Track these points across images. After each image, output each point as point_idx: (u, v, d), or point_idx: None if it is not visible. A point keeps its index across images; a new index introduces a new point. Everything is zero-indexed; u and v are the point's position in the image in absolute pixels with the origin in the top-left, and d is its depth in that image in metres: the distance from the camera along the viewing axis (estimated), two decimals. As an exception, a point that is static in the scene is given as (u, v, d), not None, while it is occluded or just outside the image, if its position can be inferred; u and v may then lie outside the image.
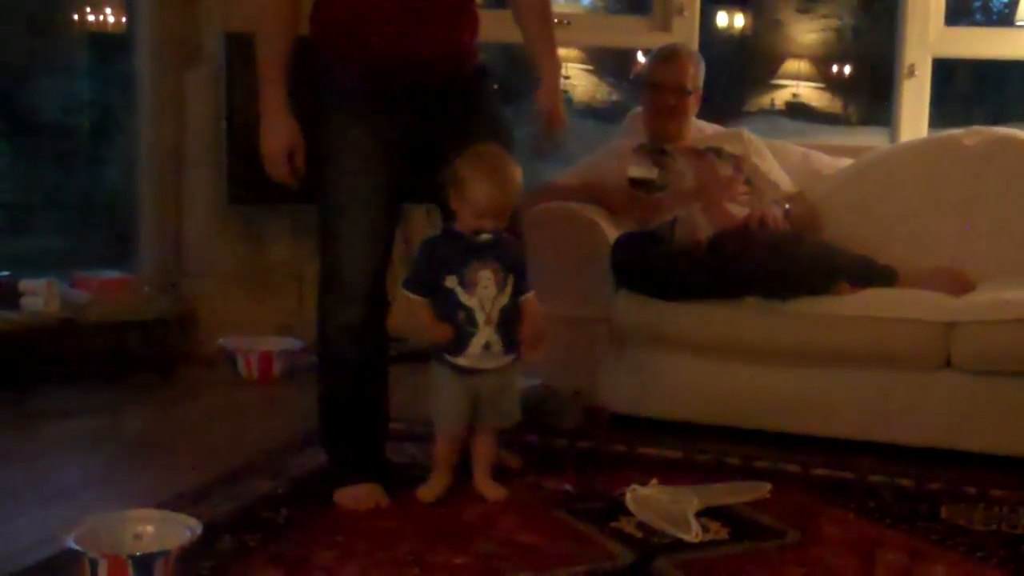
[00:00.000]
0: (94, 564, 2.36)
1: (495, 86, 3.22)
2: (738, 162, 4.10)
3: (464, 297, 2.90)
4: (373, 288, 2.99)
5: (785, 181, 4.17)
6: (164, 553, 2.40)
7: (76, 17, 5.62)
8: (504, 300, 2.93)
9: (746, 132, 4.34)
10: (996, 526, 2.93)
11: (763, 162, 4.19)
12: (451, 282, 2.90)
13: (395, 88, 2.98)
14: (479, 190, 2.87)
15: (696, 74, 4.15)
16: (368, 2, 2.93)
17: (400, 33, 2.94)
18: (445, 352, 2.95)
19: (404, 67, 2.97)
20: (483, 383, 2.98)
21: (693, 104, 4.17)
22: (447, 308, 2.91)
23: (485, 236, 2.91)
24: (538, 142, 3.21)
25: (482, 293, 2.91)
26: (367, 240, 2.97)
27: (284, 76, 2.95)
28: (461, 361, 2.95)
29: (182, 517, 2.56)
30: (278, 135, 2.95)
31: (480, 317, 2.91)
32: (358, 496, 2.97)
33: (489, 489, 3.04)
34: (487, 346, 2.93)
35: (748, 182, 4.06)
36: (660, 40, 4.55)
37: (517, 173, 2.92)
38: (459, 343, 2.93)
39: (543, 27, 3.21)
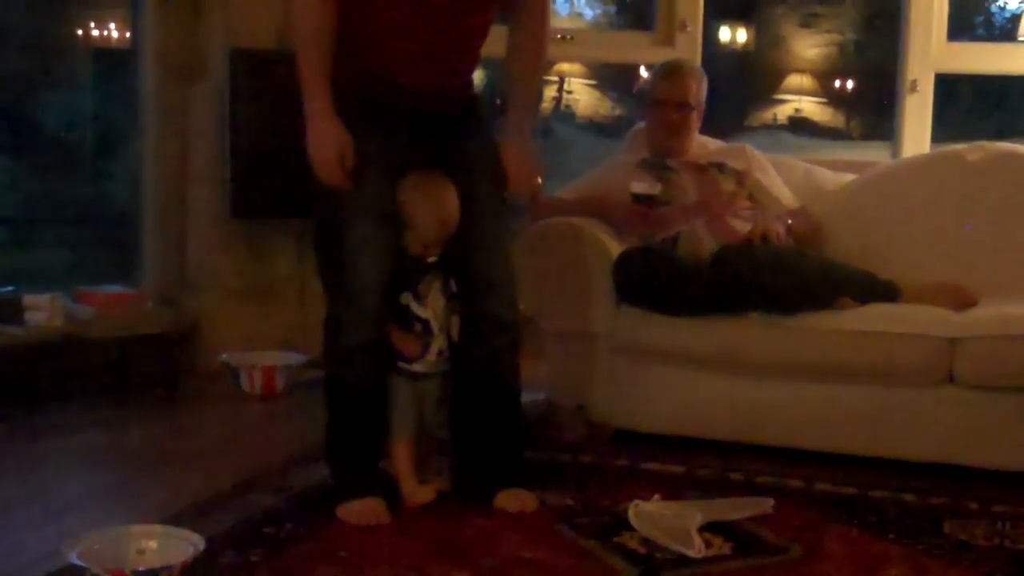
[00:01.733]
0: (97, 579, 2.37)
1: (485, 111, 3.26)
2: (741, 177, 4.10)
3: (419, 310, 3.03)
4: (384, 308, 3.00)
5: (787, 196, 4.18)
6: (167, 568, 2.40)
7: (80, 32, 5.64)
8: (446, 304, 3.08)
9: (748, 147, 4.35)
10: (999, 541, 2.93)
11: (765, 177, 4.19)
12: (405, 299, 3.03)
13: (397, 113, 3.02)
14: (422, 224, 3.00)
15: (698, 90, 4.16)
16: (387, 34, 2.97)
17: (416, 69, 3.00)
18: (401, 360, 3.05)
19: (408, 95, 3.01)
20: (426, 389, 3.10)
21: (695, 119, 4.18)
22: (405, 322, 3.03)
23: (432, 259, 3.04)
24: (511, 197, 3.25)
25: (434, 303, 3.04)
26: (378, 261, 2.99)
27: (328, 84, 2.96)
28: (418, 367, 3.06)
29: (185, 532, 2.57)
30: (329, 140, 2.95)
31: (435, 326, 3.06)
32: (361, 511, 2.97)
33: (424, 490, 3.09)
34: (440, 352, 3.07)
35: (751, 197, 4.07)
36: (663, 55, 4.56)
37: (453, 194, 3.03)
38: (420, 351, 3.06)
39: (529, 79, 3.26)
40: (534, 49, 3.23)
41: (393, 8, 2.94)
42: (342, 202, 2.99)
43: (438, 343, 3.06)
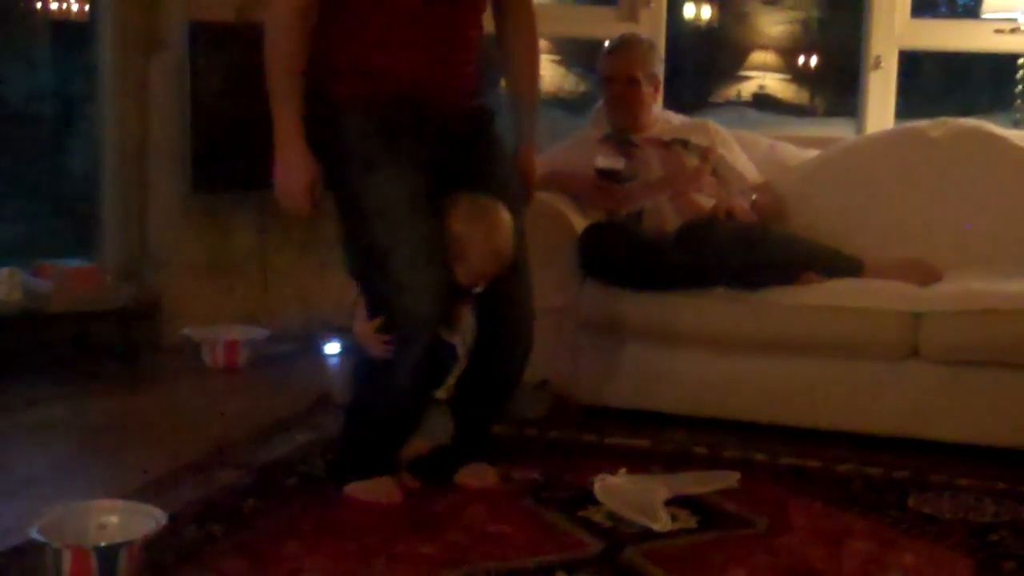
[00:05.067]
0: (58, 555, 2.34)
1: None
2: (704, 153, 4.09)
3: (447, 335, 2.94)
4: (441, 314, 2.88)
5: (752, 171, 4.17)
6: (128, 543, 2.38)
7: (39, 5, 5.57)
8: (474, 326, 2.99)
9: (712, 123, 4.33)
10: (963, 514, 2.95)
11: (729, 153, 4.18)
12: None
13: (413, 122, 2.93)
14: (478, 259, 2.88)
15: (647, 63, 4.11)
16: (383, 44, 2.91)
17: (416, 71, 2.93)
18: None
19: (420, 102, 2.94)
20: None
21: (648, 92, 4.12)
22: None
23: (478, 290, 2.94)
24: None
25: (464, 329, 2.96)
26: (437, 274, 2.84)
27: (299, 110, 2.90)
28: (440, 395, 3.01)
29: (147, 507, 2.54)
30: (297, 170, 2.90)
31: (461, 351, 2.97)
32: (373, 488, 2.93)
33: (407, 479, 3.02)
34: (458, 377, 3.00)
35: (715, 173, 4.06)
36: (627, 31, 4.53)
37: (511, 225, 2.92)
38: (438, 378, 2.98)
39: (531, 89, 3.26)
40: (530, 48, 3.23)
41: None
42: (391, 234, 2.85)
43: (459, 369, 2.98)
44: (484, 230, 2.87)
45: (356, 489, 2.94)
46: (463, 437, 3.11)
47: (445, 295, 2.86)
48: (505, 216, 2.91)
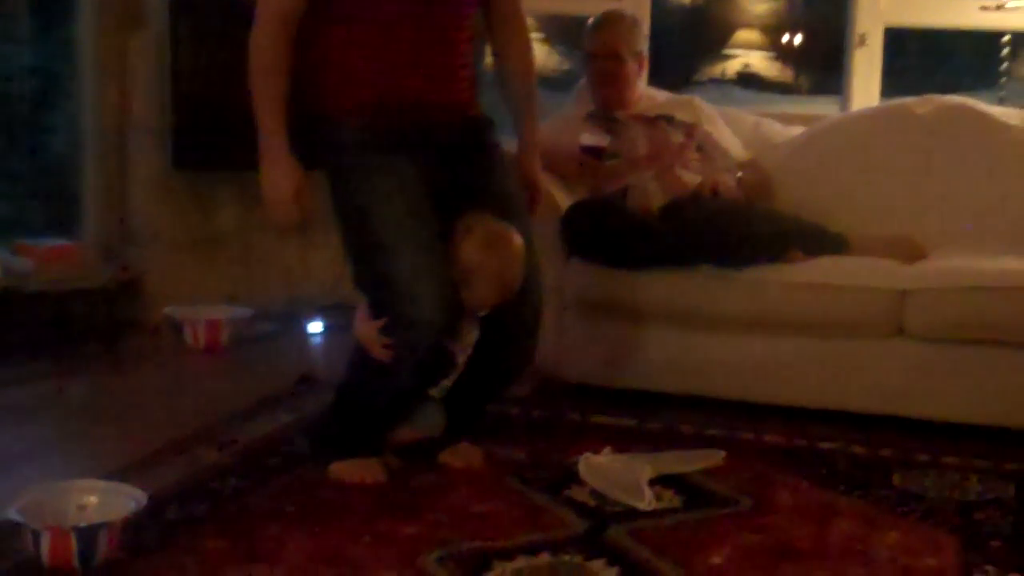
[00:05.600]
0: (37, 535, 2.32)
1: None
2: (690, 129, 4.07)
3: (448, 343, 2.92)
4: (447, 322, 2.83)
5: (737, 148, 4.16)
6: (108, 524, 2.36)
7: (17, -20, 5.51)
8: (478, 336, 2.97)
9: (697, 99, 4.32)
10: (948, 493, 2.95)
11: (715, 129, 4.16)
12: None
13: (411, 132, 2.91)
14: (484, 289, 2.85)
15: (631, 39, 4.08)
16: (375, 52, 2.89)
17: (409, 77, 2.90)
18: None
19: (417, 111, 2.91)
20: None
21: (633, 69, 4.09)
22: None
23: (481, 314, 2.92)
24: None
25: (466, 339, 2.94)
26: (440, 283, 2.79)
27: (284, 121, 2.87)
28: (433, 392, 3.00)
29: (127, 488, 2.52)
30: (283, 182, 2.87)
31: (460, 358, 2.96)
32: (356, 468, 2.91)
33: (390, 458, 3.00)
34: (454, 379, 2.99)
35: (700, 149, 4.04)
36: (611, 8, 4.51)
37: (523, 255, 2.88)
38: (433, 379, 2.98)
39: (529, 99, 3.26)
40: (524, 56, 3.23)
41: None
42: (389, 224, 2.82)
43: (456, 373, 2.97)
44: (495, 263, 2.83)
45: (340, 469, 2.92)
46: (454, 425, 3.09)
47: (451, 304, 2.81)
48: (518, 246, 2.87)
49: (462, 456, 3.05)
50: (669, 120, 4.08)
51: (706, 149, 4.06)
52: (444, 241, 2.85)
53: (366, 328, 2.84)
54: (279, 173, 2.88)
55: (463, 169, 2.99)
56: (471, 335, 2.95)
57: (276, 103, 2.87)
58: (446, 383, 2.99)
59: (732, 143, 4.18)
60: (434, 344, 2.83)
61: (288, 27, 2.88)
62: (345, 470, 2.92)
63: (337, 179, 2.92)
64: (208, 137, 4.46)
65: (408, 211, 2.83)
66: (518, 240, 2.87)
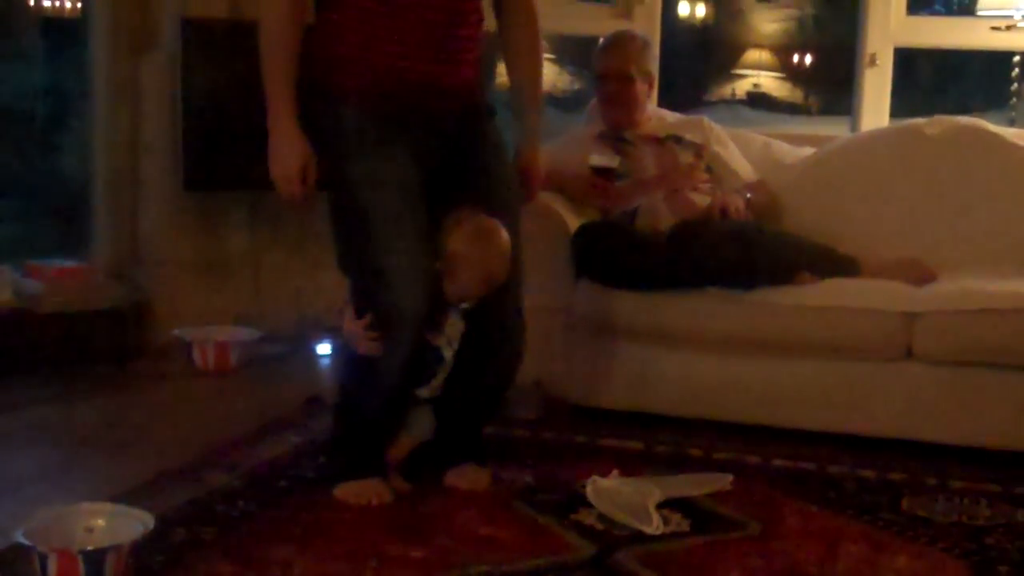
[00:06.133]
0: (44, 559, 2.32)
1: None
2: (699, 150, 4.08)
3: (433, 338, 2.93)
4: (426, 310, 2.86)
5: (746, 169, 4.16)
6: (116, 547, 2.36)
7: (31, 2, 5.55)
8: (463, 329, 2.97)
9: (706, 120, 4.32)
10: (957, 517, 2.94)
11: (724, 150, 4.17)
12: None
13: (412, 115, 2.92)
14: (467, 281, 2.89)
15: (641, 59, 4.09)
16: (384, 34, 2.88)
17: (416, 60, 2.90)
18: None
19: (420, 94, 2.92)
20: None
21: (643, 90, 4.10)
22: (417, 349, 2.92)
23: (465, 306, 2.94)
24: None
25: (450, 330, 2.94)
26: (422, 272, 2.84)
27: (293, 95, 2.90)
28: (424, 393, 2.99)
29: (135, 511, 2.53)
30: (290, 154, 2.89)
31: (447, 353, 2.95)
32: (362, 490, 2.91)
33: (399, 482, 3.00)
34: (445, 378, 2.99)
35: (709, 170, 4.04)
36: (622, 28, 4.51)
37: (508, 251, 2.91)
38: (424, 378, 2.97)
39: (534, 87, 3.25)
40: (531, 44, 3.22)
41: None
42: (380, 214, 2.85)
43: (446, 371, 2.97)
44: (480, 255, 2.87)
45: (346, 491, 2.92)
46: (452, 438, 3.09)
47: (429, 291, 2.85)
48: (504, 241, 2.90)
49: (469, 479, 3.05)
50: (678, 140, 4.09)
51: (715, 170, 4.06)
52: (433, 228, 2.90)
53: (352, 324, 2.87)
54: (286, 148, 2.90)
55: (458, 156, 3.01)
56: (456, 328, 2.95)
57: (286, 78, 2.90)
58: (436, 382, 2.99)
59: (741, 164, 4.18)
60: (415, 334, 2.85)
61: (299, 4, 2.91)
62: (351, 492, 2.92)
63: (330, 157, 2.93)
64: (218, 159, 4.46)
65: (395, 198, 2.86)
66: (505, 236, 2.90)
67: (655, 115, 4.24)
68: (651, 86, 4.16)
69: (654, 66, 4.21)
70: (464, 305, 2.93)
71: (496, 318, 3.00)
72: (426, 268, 2.85)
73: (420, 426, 3.03)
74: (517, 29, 3.21)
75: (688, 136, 4.11)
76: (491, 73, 3.29)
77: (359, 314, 2.87)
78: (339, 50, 2.93)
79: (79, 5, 5.11)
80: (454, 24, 2.95)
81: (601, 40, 4.18)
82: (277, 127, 2.91)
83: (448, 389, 3.03)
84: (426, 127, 2.95)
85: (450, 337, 2.94)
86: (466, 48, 3.00)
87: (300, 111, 2.92)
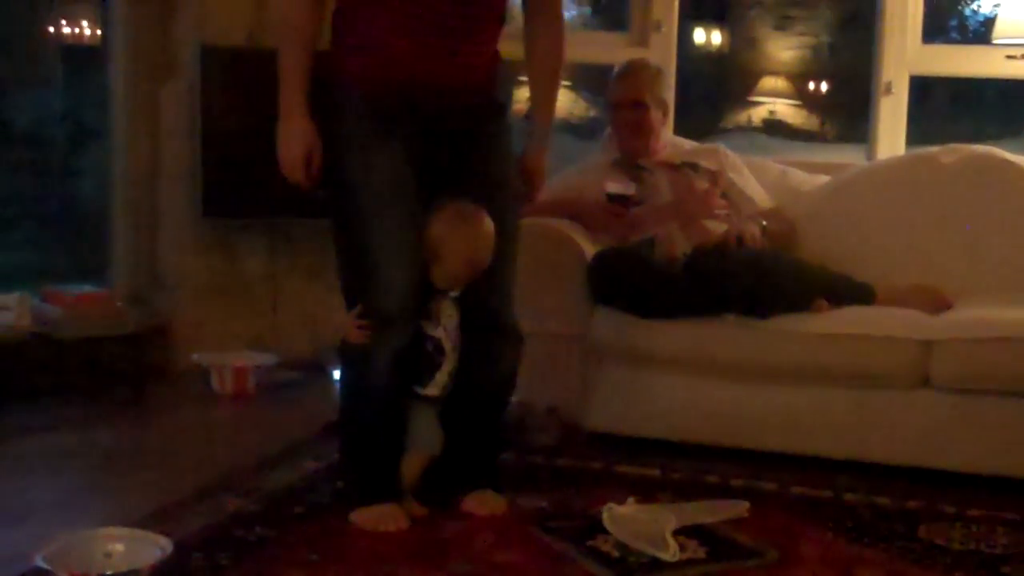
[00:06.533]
0: (62, 584, 2.33)
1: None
2: (714, 177, 4.09)
3: (430, 328, 2.94)
4: (415, 312, 2.92)
5: (762, 196, 4.16)
6: (134, 572, 2.37)
7: (52, 29, 5.59)
8: (459, 321, 2.99)
9: (722, 147, 4.33)
10: (974, 545, 2.93)
11: (739, 177, 4.17)
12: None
13: (418, 111, 2.94)
14: (452, 264, 2.92)
15: (654, 87, 4.11)
16: (396, 26, 2.90)
17: (426, 57, 2.92)
18: (414, 385, 2.97)
19: (427, 90, 2.94)
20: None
21: (657, 117, 4.12)
22: (417, 342, 2.94)
23: (454, 293, 2.96)
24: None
25: (446, 322, 2.96)
26: (409, 264, 2.89)
27: (305, 82, 2.93)
28: (431, 391, 2.98)
29: (153, 536, 2.54)
30: (296, 139, 2.93)
31: (447, 345, 2.96)
32: (378, 516, 2.91)
33: (415, 507, 3.00)
34: (451, 374, 2.98)
35: (725, 197, 4.05)
36: (637, 56, 4.53)
37: (491, 235, 2.93)
38: (427, 374, 2.97)
39: (550, 88, 3.27)
40: (552, 48, 3.22)
41: None
42: (374, 209, 2.90)
43: (450, 364, 2.97)
44: (462, 236, 2.91)
45: (362, 516, 2.93)
46: (466, 461, 3.09)
47: (416, 282, 2.90)
48: (487, 225, 2.93)
49: (486, 505, 3.05)
50: (694, 167, 4.10)
51: (731, 197, 4.07)
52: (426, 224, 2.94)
53: (344, 316, 2.92)
54: (293, 133, 2.93)
55: (457, 153, 3.02)
56: (450, 317, 2.96)
57: (298, 66, 2.93)
58: (440, 377, 2.98)
59: (757, 191, 4.18)
60: (406, 326, 2.89)
61: None
62: (367, 518, 2.92)
63: (333, 146, 2.96)
64: (237, 186, 4.49)
65: (387, 190, 2.90)
66: (488, 221, 2.93)
67: (670, 143, 4.26)
68: (665, 114, 4.18)
69: (668, 94, 4.22)
70: (453, 293, 2.95)
71: (489, 323, 3.02)
72: (414, 259, 2.90)
73: (425, 438, 3.01)
74: (541, 34, 3.20)
75: (703, 163, 4.12)
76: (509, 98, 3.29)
77: (350, 305, 2.91)
78: (348, 40, 2.96)
79: (99, 32, 5.14)
80: (467, 28, 2.97)
81: (615, 68, 4.20)
82: (286, 110, 2.94)
83: (449, 399, 3.03)
84: (427, 124, 2.96)
85: (446, 327, 2.96)
86: (477, 52, 3.01)
87: (310, 99, 2.95)
